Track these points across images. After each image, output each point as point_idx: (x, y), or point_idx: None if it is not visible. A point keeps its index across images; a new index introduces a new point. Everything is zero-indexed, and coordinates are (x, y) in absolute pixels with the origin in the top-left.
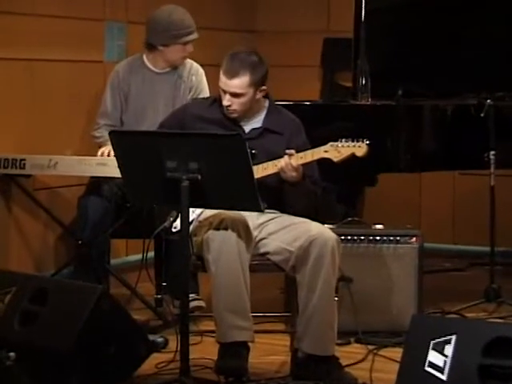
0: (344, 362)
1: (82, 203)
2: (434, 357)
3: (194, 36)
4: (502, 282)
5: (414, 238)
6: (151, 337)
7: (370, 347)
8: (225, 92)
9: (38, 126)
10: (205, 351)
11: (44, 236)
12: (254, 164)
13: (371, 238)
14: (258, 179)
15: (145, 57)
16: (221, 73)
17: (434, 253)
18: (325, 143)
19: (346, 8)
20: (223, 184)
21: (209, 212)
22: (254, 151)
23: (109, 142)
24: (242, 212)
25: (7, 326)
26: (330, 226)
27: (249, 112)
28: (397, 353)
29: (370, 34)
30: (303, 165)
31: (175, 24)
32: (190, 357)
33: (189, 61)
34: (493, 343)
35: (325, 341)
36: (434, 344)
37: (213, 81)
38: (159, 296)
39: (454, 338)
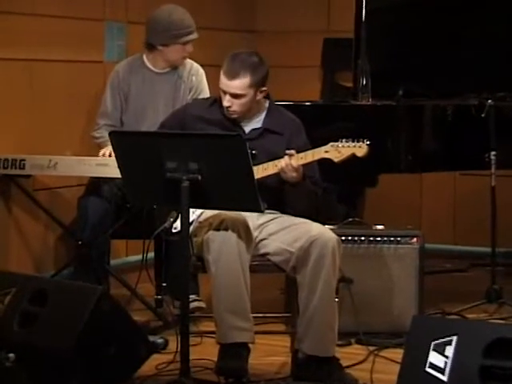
0: (345, 363)
1: (82, 204)
2: (434, 358)
3: (194, 36)
4: (504, 283)
5: (415, 239)
6: (151, 338)
7: (371, 348)
8: (225, 93)
9: (38, 126)
10: (205, 352)
11: (44, 236)
12: (254, 164)
13: (372, 238)
14: (258, 180)
15: (145, 57)
16: (221, 73)
17: (434, 253)
18: (325, 143)
19: (346, 8)
20: (223, 184)
21: (209, 212)
22: (254, 152)
23: (109, 143)
24: (242, 212)
25: (7, 327)
26: (331, 226)
27: (249, 113)
28: (397, 354)
29: (371, 34)
30: (304, 165)
31: (175, 24)
32: (190, 358)
33: (189, 61)
34: (494, 344)
35: (325, 342)
36: (435, 345)
37: (213, 81)
38: (159, 297)
39: (454, 339)
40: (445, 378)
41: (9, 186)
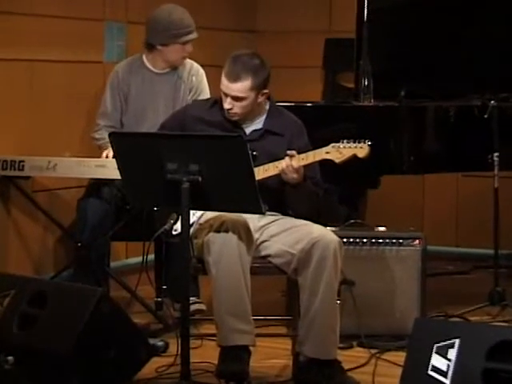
0: (346, 366)
1: (82, 205)
2: (437, 361)
3: (194, 36)
4: (507, 285)
5: (417, 241)
6: (151, 340)
7: (373, 351)
8: (226, 95)
9: (38, 126)
10: (205, 355)
11: (43, 238)
12: (255, 166)
13: (374, 240)
14: (259, 181)
15: (144, 57)
16: (222, 75)
17: (437, 255)
18: (327, 144)
19: (348, 8)
20: (224, 186)
21: (209, 214)
22: (254, 153)
23: (109, 144)
24: (243, 214)
25: (6, 329)
26: (333, 228)
27: (250, 115)
28: (400, 357)
29: (373, 35)
30: (305, 166)
31: (175, 23)
32: (191, 361)
33: (189, 61)
34: (497, 347)
35: (327, 344)
36: (438, 348)
37: (213, 81)
38: (159, 299)
39: (457, 341)
40: (447, 381)
41: (8, 188)
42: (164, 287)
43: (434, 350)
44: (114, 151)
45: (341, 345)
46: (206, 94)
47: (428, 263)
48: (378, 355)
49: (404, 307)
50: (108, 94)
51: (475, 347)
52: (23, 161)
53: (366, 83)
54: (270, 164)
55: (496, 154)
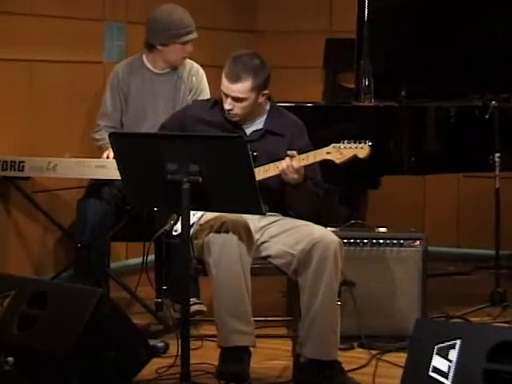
0: (347, 367)
1: (82, 206)
2: (438, 362)
3: (193, 36)
4: (508, 286)
5: (418, 242)
6: (151, 341)
7: (374, 352)
8: (226, 96)
9: (38, 127)
10: (206, 356)
11: (43, 239)
12: (256, 166)
13: (374, 241)
14: (259, 181)
15: (144, 57)
16: (223, 76)
17: (437, 256)
18: (327, 145)
19: (348, 8)
20: (224, 186)
21: (210, 215)
22: (255, 153)
23: (109, 145)
24: (243, 215)
25: (6, 330)
26: (333, 228)
27: (250, 115)
28: (400, 358)
29: (373, 35)
30: (305, 166)
31: (175, 23)
32: (191, 362)
33: (189, 61)
34: (498, 348)
35: (327, 345)
36: (438, 349)
37: (213, 81)
38: (159, 300)
39: (458, 342)
40: (448, 382)
41: (8, 188)
42: (164, 288)
43: (435, 350)
44: (114, 151)
45: (341, 346)
46: (206, 94)
47: (429, 264)
48: (378, 356)
49: (405, 308)
50: (108, 94)
51: (476, 348)
52: (23, 161)
53: (367, 83)
54: (271, 164)
55: (497, 155)
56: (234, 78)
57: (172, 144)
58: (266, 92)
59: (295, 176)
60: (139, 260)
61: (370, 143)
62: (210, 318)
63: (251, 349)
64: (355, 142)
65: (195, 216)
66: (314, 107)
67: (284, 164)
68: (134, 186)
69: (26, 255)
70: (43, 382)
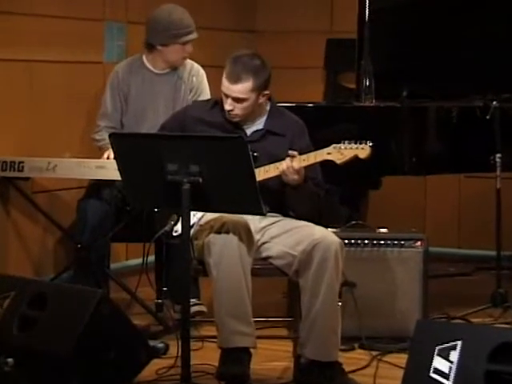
0: (348, 368)
1: (82, 206)
2: (439, 363)
3: (193, 36)
4: (509, 287)
5: (419, 242)
6: (151, 342)
7: (374, 353)
8: (227, 96)
9: (38, 127)
10: (206, 357)
11: (43, 240)
12: (256, 167)
13: (375, 241)
14: (259, 182)
15: (144, 57)
16: (223, 77)
17: (439, 257)
18: (328, 145)
19: (349, 8)
20: (225, 187)
21: (210, 215)
22: (255, 154)
23: (110, 145)
24: (243, 215)
25: (6, 331)
26: (334, 229)
27: (251, 115)
28: (401, 359)
29: (374, 35)
30: (306, 167)
31: (175, 23)
32: (191, 363)
33: (189, 61)
34: (499, 349)
35: (328, 346)
36: (439, 350)
37: (213, 82)
38: (160, 301)
39: (459, 343)
40: None
41: (7, 189)
42: (164, 289)
43: (436, 352)
44: (114, 152)
45: (342, 347)
46: (206, 94)
47: (430, 265)
48: (379, 357)
49: (406, 309)
50: (108, 95)
51: (477, 349)
52: (23, 162)
53: (368, 83)
54: (271, 165)
55: (498, 155)
56: (235, 79)
57: (172, 144)
58: (266, 92)
59: (295, 177)
60: (139, 261)
61: (370, 143)
62: (211, 319)
63: (252, 350)
64: (356, 143)
65: (195, 216)
66: (314, 107)
67: (284, 165)
68: (134, 186)
69: (26, 256)
70: (43, 382)
